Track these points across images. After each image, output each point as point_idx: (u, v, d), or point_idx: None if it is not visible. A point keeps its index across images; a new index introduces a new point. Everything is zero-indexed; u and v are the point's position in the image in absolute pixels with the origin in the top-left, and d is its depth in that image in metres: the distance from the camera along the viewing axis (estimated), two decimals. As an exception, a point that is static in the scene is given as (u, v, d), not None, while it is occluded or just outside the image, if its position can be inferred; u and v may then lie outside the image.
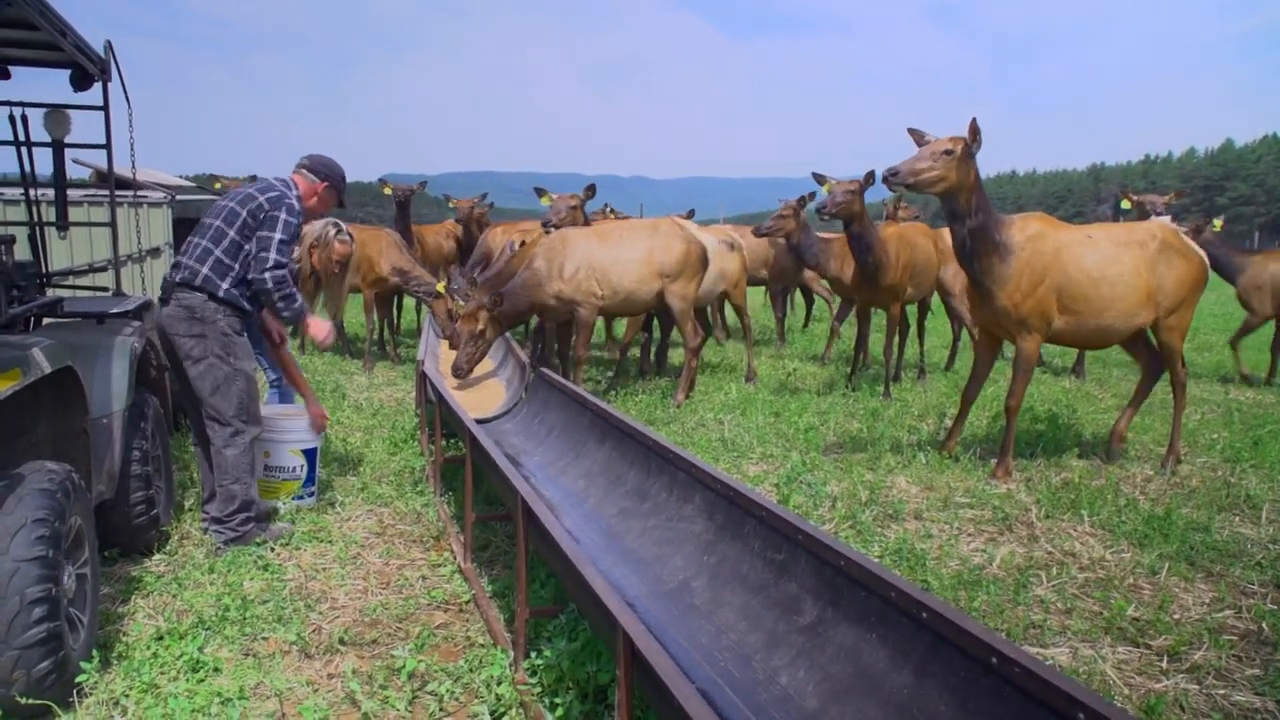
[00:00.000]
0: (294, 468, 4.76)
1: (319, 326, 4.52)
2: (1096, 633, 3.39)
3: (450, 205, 10.10)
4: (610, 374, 8.93)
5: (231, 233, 4.10)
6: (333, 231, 5.00)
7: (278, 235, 4.12)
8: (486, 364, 7.48)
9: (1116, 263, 5.30)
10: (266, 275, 4.10)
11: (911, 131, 5.15)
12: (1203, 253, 5.67)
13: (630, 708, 2.04)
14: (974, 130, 4.95)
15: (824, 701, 2.32)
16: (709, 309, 9.96)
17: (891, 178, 4.93)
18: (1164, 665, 3.15)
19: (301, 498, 4.79)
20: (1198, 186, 76.24)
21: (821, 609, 2.55)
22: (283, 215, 4.14)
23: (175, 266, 4.13)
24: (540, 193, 8.39)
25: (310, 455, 4.82)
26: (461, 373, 6.73)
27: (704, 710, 1.71)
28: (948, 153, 4.89)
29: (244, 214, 4.12)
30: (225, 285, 4.07)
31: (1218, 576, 3.95)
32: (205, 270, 4.06)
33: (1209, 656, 3.19)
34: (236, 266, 4.10)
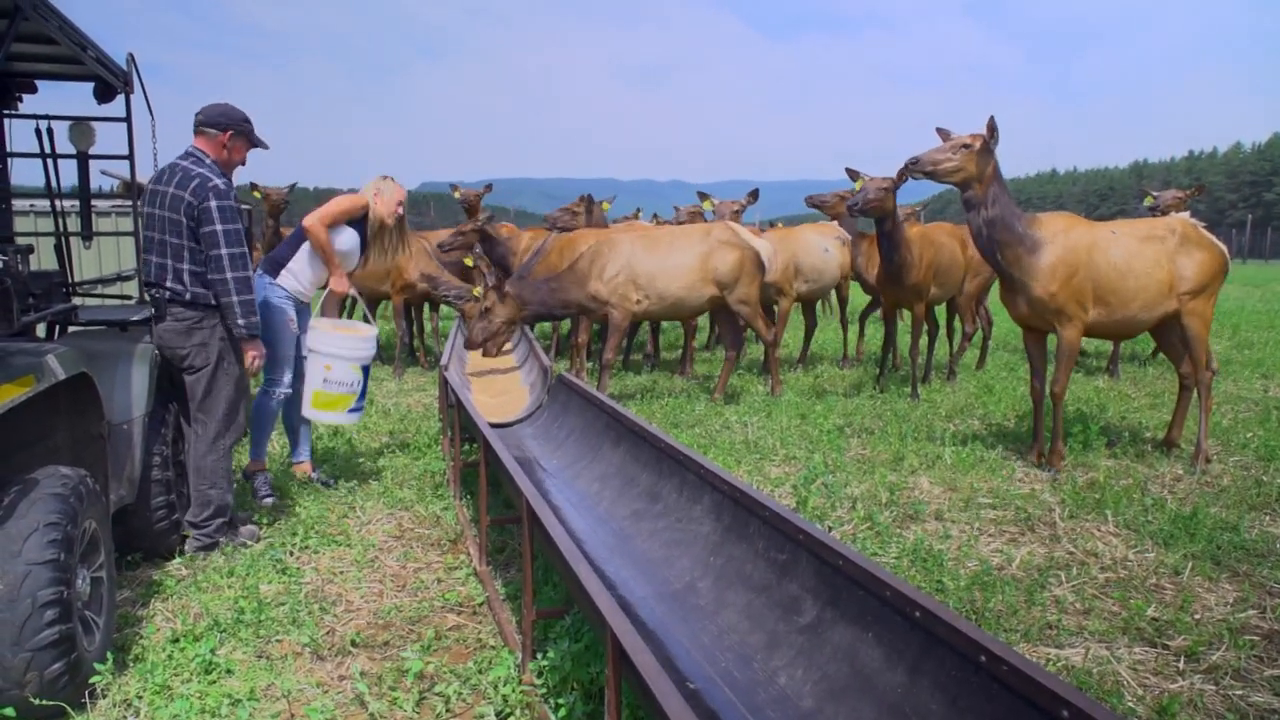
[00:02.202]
0: (352, 382, 5.07)
1: (340, 280, 5.14)
2: (1114, 633, 3.33)
3: (456, 195, 10.14)
4: (643, 372, 8.96)
5: (185, 242, 4.11)
6: (389, 185, 5.31)
7: (219, 226, 4.07)
8: (509, 362, 7.55)
9: (1140, 256, 5.47)
10: (228, 277, 4.10)
11: (939, 131, 5.43)
12: (1221, 244, 5.75)
13: (619, 707, 2.04)
14: (991, 127, 5.24)
15: (820, 701, 2.31)
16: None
17: (912, 165, 5.30)
18: (1181, 666, 3.08)
19: (355, 410, 5.14)
20: (1244, 182, 74.67)
21: (821, 609, 2.54)
22: (213, 203, 4.07)
23: (153, 286, 4.16)
24: (703, 197, 8.63)
25: (365, 372, 5.17)
26: (472, 345, 6.88)
27: (683, 710, 1.71)
28: (966, 146, 5.20)
29: (184, 220, 4.08)
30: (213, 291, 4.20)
31: (1243, 576, 3.86)
32: (190, 286, 4.12)
33: (1228, 657, 3.12)
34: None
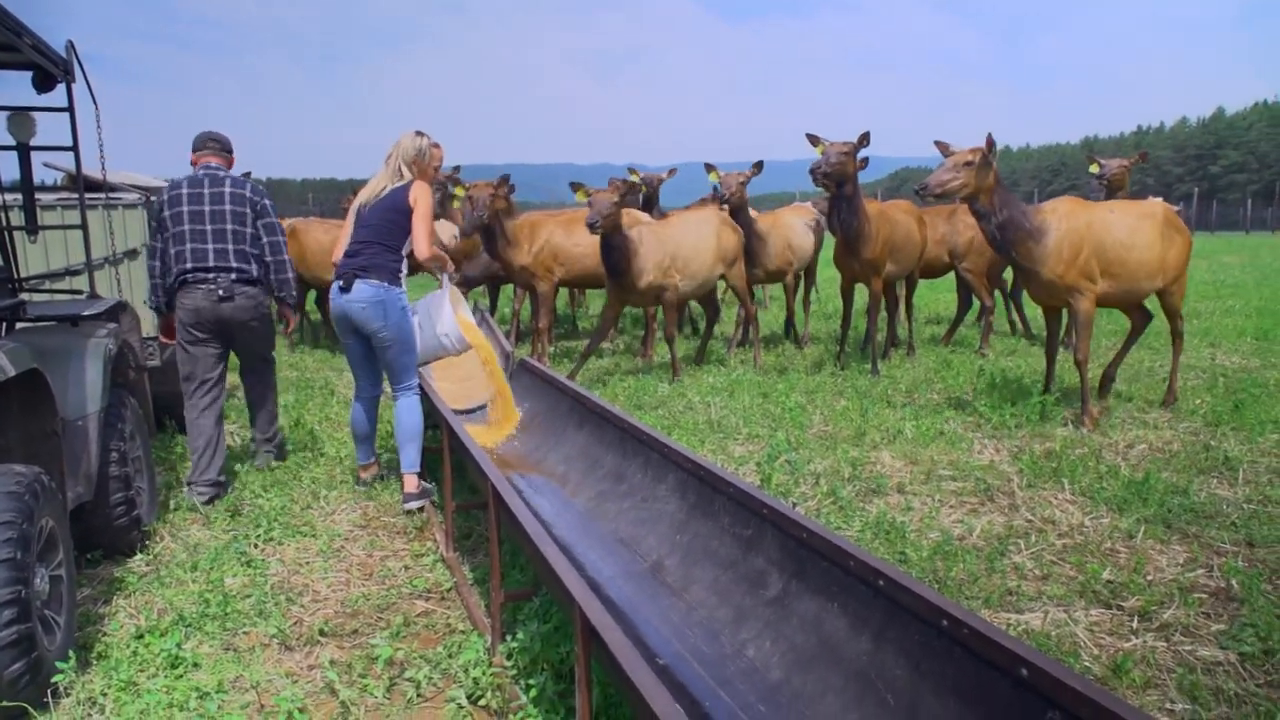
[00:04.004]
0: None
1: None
2: (1071, 597, 3.41)
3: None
4: (604, 355, 8.98)
5: (248, 229, 4.93)
6: (426, 142, 4.83)
7: (274, 218, 5.05)
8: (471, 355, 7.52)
9: (1140, 231, 5.94)
10: (285, 257, 5.06)
11: (938, 144, 5.77)
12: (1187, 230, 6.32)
13: (589, 684, 2.06)
14: (990, 143, 5.55)
15: (788, 671, 2.35)
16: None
17: (922, 191, 5.54)
18: (1134, 625, 3.18)
19: None
20: (1190, 156, 76.08)
21: (786, 581, 2.58)
22: (266, 200, 5.04)
23: (219, 270, 4.83)
24: (709, 169, 8.83)
25: None
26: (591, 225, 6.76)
27: (654, 684, 1.73)
28: (968, 163, 5.47)
29: (249, 212, 4.93)
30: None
31: (1192, 537, 3.98)
32: (254, 267, 4.95)
33: (1178, 615, 3.22)
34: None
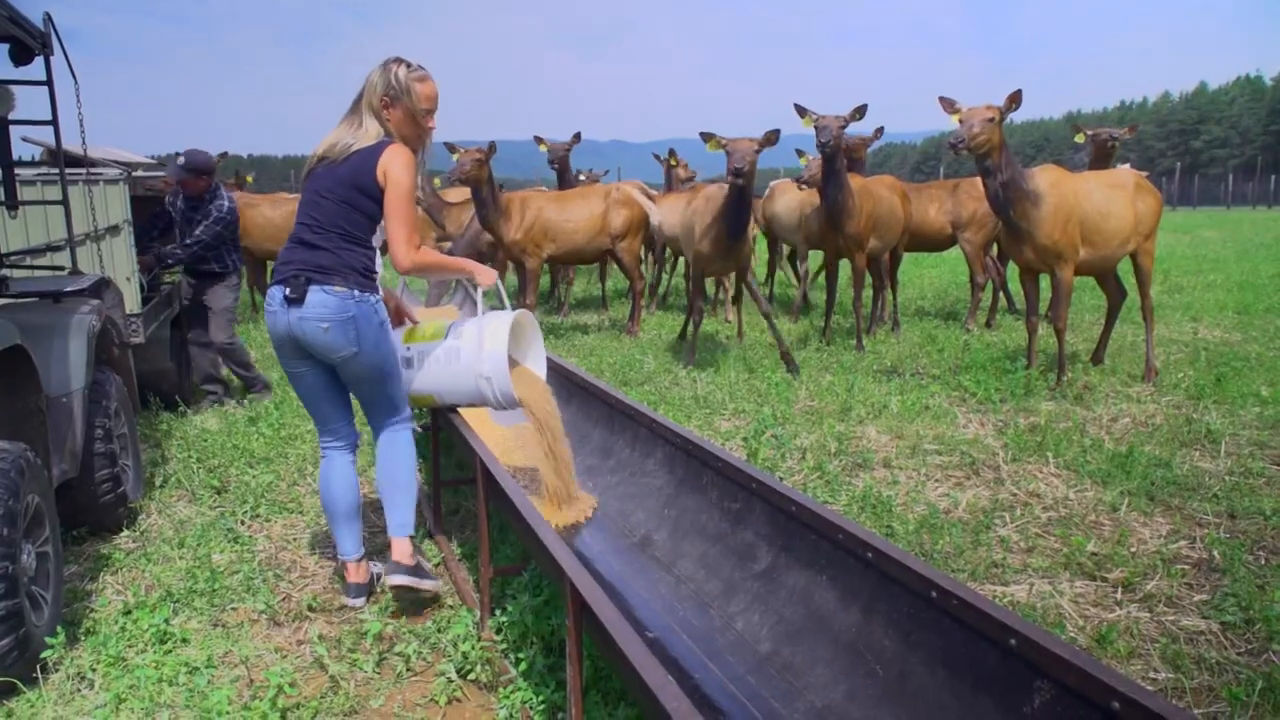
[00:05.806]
0: None
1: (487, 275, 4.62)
2: (1056, 569, 3.45)
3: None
4: (597, 328, 8.98)
5: None
6: (403, 71, 3.15)
7: None
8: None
9: (1114, 200, 6.17)
10: None
11: (942, 100, 5.88)
12: (1158, 192, 6.51)
13: (580, 657, 2.06)
14: (1015, 99, 5.71)
15: (777, 644, 2.37)
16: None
17: (958, 144, 5.58)
18: (1118, 596, 3.22)
19: None
20: (1173, 130, 76.29)
21: (775, 554, 2.59)
22: None
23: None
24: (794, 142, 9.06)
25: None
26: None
27: (646, 656, 1.74)
28: (990, 120, 5.61)
29: None
30: None
31: (1175, 510, 4.02)
32: None
33: (1161, 586, 3.27)
34: None
